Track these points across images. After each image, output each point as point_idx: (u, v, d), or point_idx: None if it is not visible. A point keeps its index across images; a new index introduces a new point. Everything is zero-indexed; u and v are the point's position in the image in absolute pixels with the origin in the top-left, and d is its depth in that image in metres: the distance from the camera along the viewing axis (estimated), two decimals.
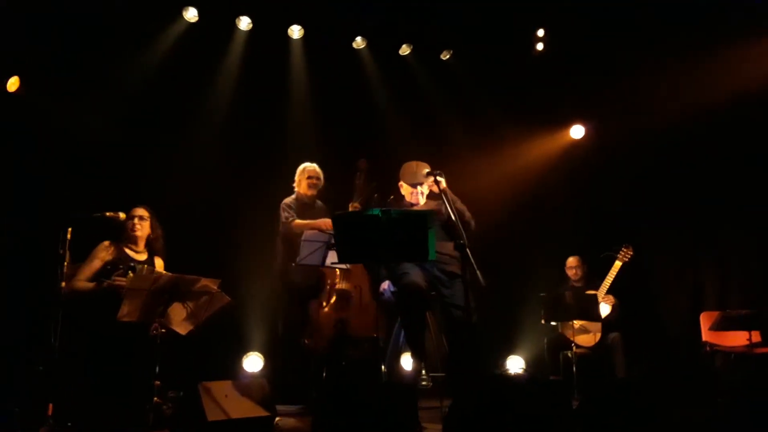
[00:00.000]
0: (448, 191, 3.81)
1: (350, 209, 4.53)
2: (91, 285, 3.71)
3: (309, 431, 3.11)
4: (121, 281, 3.66)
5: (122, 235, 3.94)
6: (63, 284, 3.46)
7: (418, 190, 3.98)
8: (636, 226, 5.84)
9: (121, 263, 3.82)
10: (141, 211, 3.99)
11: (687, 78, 5.58)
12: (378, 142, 5.87)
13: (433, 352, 4.21)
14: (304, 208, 4.72)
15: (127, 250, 3.92)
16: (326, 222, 4.38)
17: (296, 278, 4.50)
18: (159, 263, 4.02)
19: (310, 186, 4.74)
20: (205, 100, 5.45)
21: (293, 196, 4.78)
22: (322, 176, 4.80)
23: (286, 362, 4.66)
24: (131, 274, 3.70)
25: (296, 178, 4.82)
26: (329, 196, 4.95)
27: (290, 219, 4.55)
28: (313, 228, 4.38)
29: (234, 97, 5.52)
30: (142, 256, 3.97)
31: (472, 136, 6.23)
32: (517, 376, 4.34)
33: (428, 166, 3.97)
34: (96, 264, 3.79)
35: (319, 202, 4.87)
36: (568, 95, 6.31)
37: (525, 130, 6.31)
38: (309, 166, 4.81)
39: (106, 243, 3.88)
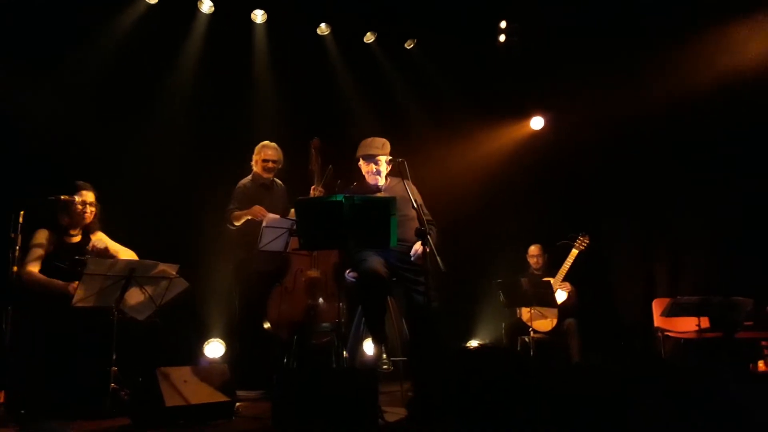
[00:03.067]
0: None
1: (312, 194, 4.50)
2: (45, 280, 3.58)
3: (269, 416, 3.10)
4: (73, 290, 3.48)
5: (62, 219, 3.76)
6: (15, 269, 3.38)
7: (374, 168, 3.91)
8: (592, 215, 5.99)
9: (62, 254, 3.69)
10: (89, 196, 3.82)
11: (645, 71, 5.74)
12: (341, 129, 5.85)
13: (393, 337, 4.24)
14: (261, 189, 4.68)
15: (65, 238, 3.78)
16: (257, 210, 4.37)
17: (257, 263, 4.47)
18: (101, 236, 3.91)
19: (265, 169, 4.68)
20: (166, 83, 5.33)
21: (249, 177, 4.73)
22: (280, 157, 4.72)
23: (245, 347, 4.62)
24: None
25: (254, 157, 4.73)
26: (289, 179, 4.91)
27: (231, 209, 4.53)
28: (246, 216, 4.41)
29: (196, 80, 5.41)
30: (77, 239, 3.84)
31: (435, 125, 6.29)
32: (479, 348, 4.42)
33: (386, 141, 3.95)
34: (39, 251, 3.64)
35: (278, 182, 4.83)
36: (529, 86, 6.42)
37: (487, 119, 6.40)
38: (267, 149, 4.70)
39: (46, 233, 3.70)
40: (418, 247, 3.67)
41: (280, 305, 4.33)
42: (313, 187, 4.56)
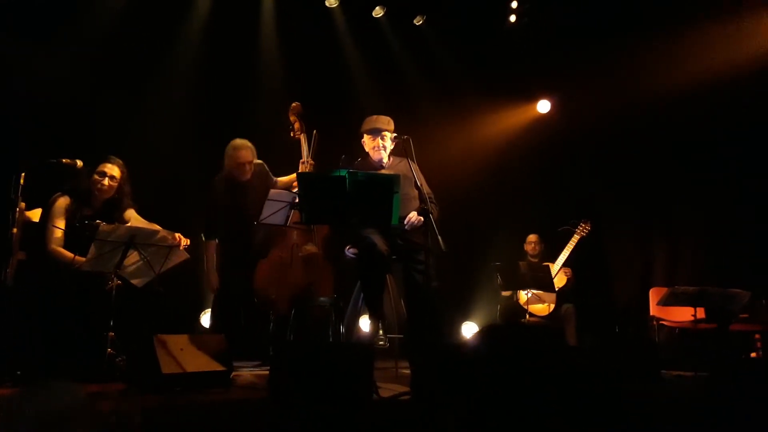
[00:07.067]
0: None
1: (302, 168, 4.35)
2: (72, 258, 3.43)
3: (266, 387, 3.12)
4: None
5: (79, 187, 3.68)
6: (14, 230, 3.36)
7: (380, 144, 3.88)
8: (594, 202, 5.99)
9: (73, 221, 3.60)
10: (113, 170, 3.69)
11: (651, 59, 5.69)
12: (346, 104, 5.81)
13: (390, 314, 4.25)
14: (239, 190, 4.34)
15: (83, 208, 3.68)
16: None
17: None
18: (132, 214, 3.80)
19: (243, 172, 4.27)
20: (173, 51, 5.27)
21: (222, 178, 4.34)
22: (255, 155, 4.29)
23: (221, 320, 4.43)
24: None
25: (227, 160, 4.28)
26: (284, 151, 4.74)
27: (207, 241, 4.32)
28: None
29: (202, 49, 5.34)
30: (90, 212, 3.73)
31: (440, 104, 6.24)
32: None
33: (390, 119, 3.91)
34: (60, 228, 3.53)
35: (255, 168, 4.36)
36: (537, 69, 6.36)
37: (493, 100, 6.35)
38: (241, 150, 4.21)
39: (67, 201, 3.60)
40: (412, 215, 3.66)
41: (277, 278, 4.32)
42: (301, 160, 4.36)
